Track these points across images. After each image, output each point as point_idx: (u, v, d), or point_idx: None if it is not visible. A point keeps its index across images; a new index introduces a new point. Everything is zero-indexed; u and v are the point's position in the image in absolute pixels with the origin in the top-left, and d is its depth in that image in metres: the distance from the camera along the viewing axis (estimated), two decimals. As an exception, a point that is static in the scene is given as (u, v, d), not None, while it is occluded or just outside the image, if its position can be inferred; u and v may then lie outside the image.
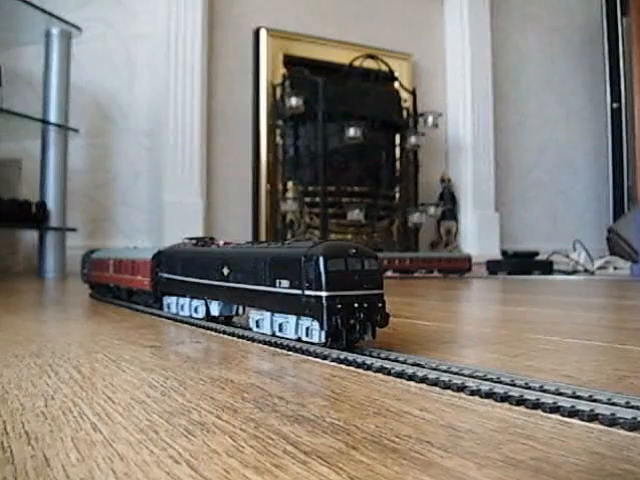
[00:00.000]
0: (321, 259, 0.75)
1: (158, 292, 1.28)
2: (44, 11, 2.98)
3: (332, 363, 0.76)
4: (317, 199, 3.84)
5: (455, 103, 4.86)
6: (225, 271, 0.97)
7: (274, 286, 0.84)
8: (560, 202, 5.47)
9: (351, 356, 0.77)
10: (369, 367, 0.72)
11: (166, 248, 1.29)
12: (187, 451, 0.42)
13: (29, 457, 0.41)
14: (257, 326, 0.92)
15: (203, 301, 1.10)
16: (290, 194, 3.91)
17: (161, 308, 1.28)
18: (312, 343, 0.81)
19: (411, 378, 0.66)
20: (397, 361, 0.72)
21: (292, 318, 0.83)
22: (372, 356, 0.75)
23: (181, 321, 1.16)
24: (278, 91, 3.95)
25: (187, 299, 1.16)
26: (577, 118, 5.60)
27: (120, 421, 0.50)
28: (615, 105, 5.31)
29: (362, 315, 0.75)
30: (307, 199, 3.89)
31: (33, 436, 0.45)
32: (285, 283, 0.81)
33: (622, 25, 5.21)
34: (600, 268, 4.02)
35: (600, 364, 0.77)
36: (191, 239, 1.24)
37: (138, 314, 1.33)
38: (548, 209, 5.41)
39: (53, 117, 3.10)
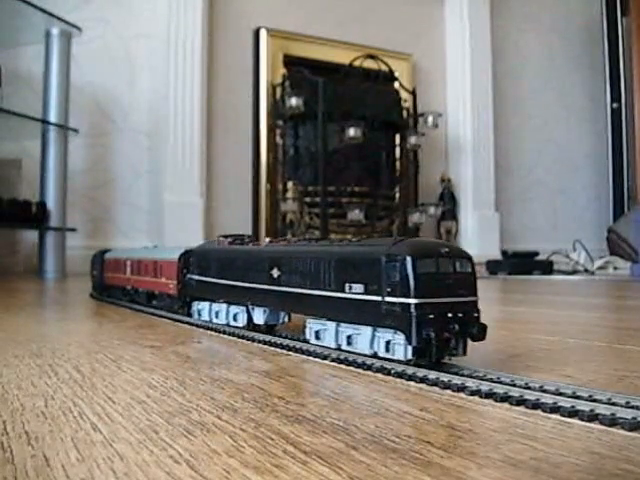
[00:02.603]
0: (409, 259, 0.64)
1: (186, 296, 1.15)
2: (44, 11, 2.98)
3: (332, 363, 0.76)
4: (317, 199, 3.84)
5: (455, 103, 4.86)
6: (275, 273, 0.85)
7: (342, 291, 0.72)
8: (560, 202, 5.47)
9: (351, 357, 0.76)
10: (369, 367, 0.72)
11: (196, 247, 1.16)
12: (187, 451, 0.42)
13: (29, 457, 0.41)
14: (317, 338, 0.80)
15: (244, 307, 0.97)
16: (290, 194, 3.91)
17: (189, 314, 1.15)
18: (392, 360, 0.69)
19: (411, 378, 0.66)
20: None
21: (366, 330, 0.71)
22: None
23: (216, 330, 1.02)
24: (278, 91, 3.95)
25: (223, 305, 1.03)
26: (577, 118, 5.60)
27: (120, 421, 0.50)
28: (615, 105, 5.31)
29: (457, 327, 0.64)
30: (307, 199, 3.89)
31: (33, 436, 0.45)
32: (358, 288, 0.70)
33: (622, 25, 5.21)
34: (600, 268, 4.02)
35: (600, 364, 0.77)
36: (226, 237, 1.10)
37: (138, 314, 1.33)
38: (548, 209, 5.41)
39: (53, 117, 3.10)
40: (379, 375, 0.69)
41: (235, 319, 1.00)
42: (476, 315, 0.67)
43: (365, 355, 0.72)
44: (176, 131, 3.64)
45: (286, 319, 0.94)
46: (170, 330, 1.08)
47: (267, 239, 0.93)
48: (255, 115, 4.01)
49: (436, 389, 0.62)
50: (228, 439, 0.45)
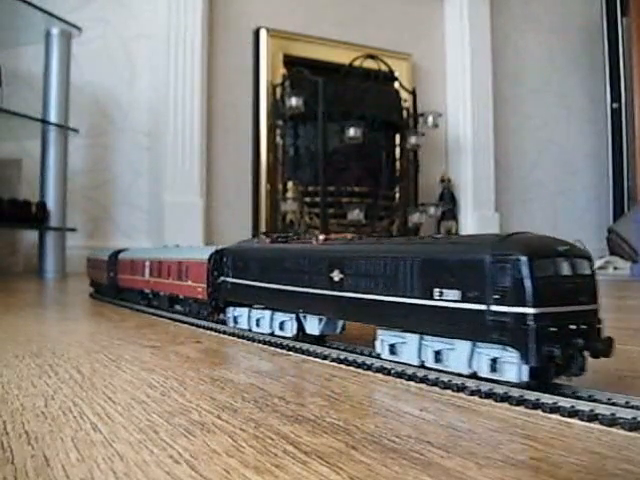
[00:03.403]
0: (524, 260, 0.54)
1: (219, 301, 1.04)
2: (44, 11, 2.98)
3: (332, 363, 0.76)
4: (317, 199, 3.83)
5: (455, 103, 4.85)
6: (336, 276, 0.74)
7: (429, 298, 0.62)
8: (560, 202, 5.47)
9: (351, 356, 0.75)
10: (369, 367, 0.72)
11: (231, 247, 1.05)
12: (187, 451, 0.42)
13: (29, 457, 0.41)
14: (392, 352, 0.69)
15: (293, 315, 0.86)
16: (290, 194, 3.91)
17: (222, 321, 1.05)
18: (499, 382, 0.58)
19: (411, 378, 0.66)
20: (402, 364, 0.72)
21: (462, 344, 0.60)
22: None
23: (259, 340, 0.92)
24: (278, 91, 3.95)
25: (267, 312, 0.92)
26: (577, 118, 5.60)
27: (120, 421, 0.50)
28: (615, 105, 5.31)
29: (581, 341, 0.55)
30: (307, 199, 3.88)
31: (33, 436, 0.45)
32: (452, 294, 0.59)
33: (622, 25, 5.21)
34: (600, 268, 4.02)
35: (600, 364, 0.77)
36: (266, 234, 1.00)
37: (137, 314, 1.33)
38: (548, 209, 5.41)
39: (53, 117, 3.09)
40: (379, 375, 0.69)
41: (282, 328, 0.89)
42: (598, 326, 0.57)
43: (461, 375, 0.61)
44: (176, 131, 3.63)
45: (339, 329, 0.84)
46: (170, 330, 1.08)
47: (321, 236, 0.81)
48: (255, 115, 4.01)
49: (436, 389, 0.62)
50: (228, 439, 0.45)
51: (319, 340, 0.84)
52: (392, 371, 0.68)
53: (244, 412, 0.52)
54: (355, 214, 3.79)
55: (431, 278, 0.62)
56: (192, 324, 1.11)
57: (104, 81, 3.65)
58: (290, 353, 0.83)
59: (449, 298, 0.60)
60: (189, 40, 3.67)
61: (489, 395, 0.58)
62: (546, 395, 0.55)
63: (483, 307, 0.56)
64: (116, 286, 1.53)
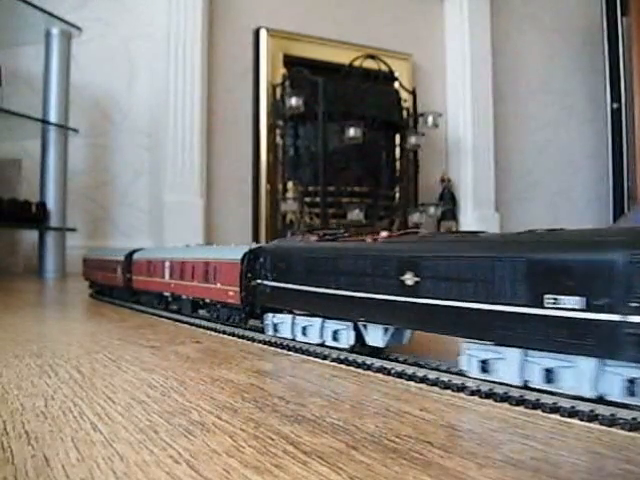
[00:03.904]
0: None
1: (255, 307, 0.95)
2: (44, 11, 2.98)
3: (332, 363, 0.76)
4: (317, 199, 3.84)
5: (455, 103, 4.86)
6: (409, 279, 0.64)
7: (538, 306, 0.53)
8: (560, 202, 5.47)
9: (351, 356, 0.75)
10: (369, 367, 0.72)
11: (269, 245, 0.96)
12: (187, 451, 0.42)
13: (29, 457, 0.41)
14: (484, 371, 0.60)
15: (349, 324, 0.76)
16: (290, 194, 3.91)
17: (256, 328, 0.96)
18: (636, 407, 0.49)
19: (411, 378, 0.66)
20: (397, 361, 0.72)
21: (584, 362, 0.51)
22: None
23: (308, 352, 0.82)
24: (278, 91, 3.95)
25: (315, 320, 0.82)
26: (577, 118, 5.60)
27: (120, 421, 0.49)
28: (615, 105, 5.30)
29: None
30: (307, 199, 3.88)
31: (33, 436, 0.45)
32: (572, 301, 0.50)
33: (622, 25, 5.20)
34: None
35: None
36: (311, 231, 0.92)
37: (137, 314, 1.33)
38: (548, 209, 5.41)
39: (53, 117, 3.09)
40: (379, 375, 0.69)
41: (336, 338, 0.79)
42: None
43: (586, 400, 0.52)
44: (176, 131, 3.63)
45: (404, 339, 0.74)
46: (170, 330, 1.08)
47: (384, 233, 0.69)
48: (255, 115, 4.00)
49: (436, 389, 0.62)
50: (228, 439, 0.45)
51: (378, 352, 0.75)
52: (392, 371, 0.68)
53: (244, 412, 0.52)
54: (355, 214, 3.79)
55: (541, 282, 0.52)
56: (219, 331, 1.01)
57: (104, 81, 3.65)
58: (290, 353, 0.83)
59: (568, 306, 0.50)
60: (189, 40, 3.67)
61: (489, 395, 0.58)
62: (546, 395, 0.55)
63: (617, 318, 0.47)
64: (130, 288, 1.43)
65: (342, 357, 0.76)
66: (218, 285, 1.02)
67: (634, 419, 0.48)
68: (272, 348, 0.87)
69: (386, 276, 0.67)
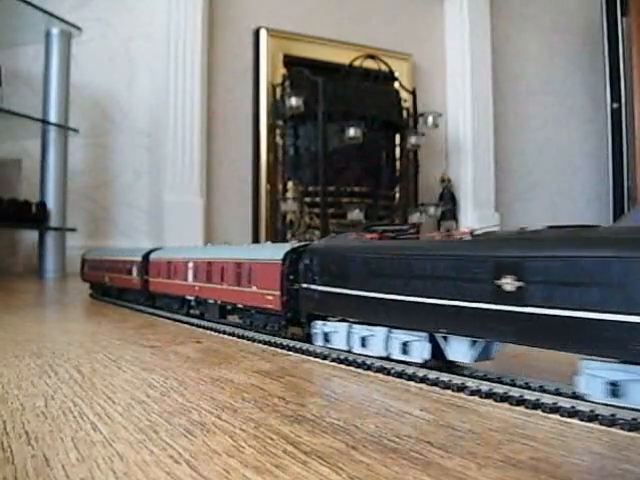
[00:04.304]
0: None
1: (300, 314, 0.84)
2: (44, 11, 2.98)
3: (332, 363, 0.75)
4: (317, 199, 3.84)
5: (455, 103, 4.86)
6: (508, 285, 0.54)
7: None
8: (560, 202, 5.47)
9: (351, 356, 0.75)
10: (369, 367, 0.72)
11: (316, 244, 0.85)
12: (187, 451, 0.42)
13: (29, 457, 0.41)
14: (614, 395, 0.49)
15: (424, 335, 0.65)
16: (290, 194, 3.91)
17: (300, 337, 0.85)
18: None
19: (411, 378, 0.65)
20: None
21: None
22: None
23: (371, 368, 0.71)
24: (278, 91, 3.95)
25: (378, 330, 0.70)
26: (577, 118, 5.60)
27: (120, 421, 0.49)
28: (615, 105, 5.30)
29: None
30: (307, 199, 3.88)
31: (33, 436, 0.45)
32: None
33: (622, 25, 5.20)
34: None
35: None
36: (367, 229, 0.78)
37: (138, 314, 1.32)
38: (548, 209, 5.41)
39: (53, 117, 3.09)
40: (379, 375, 0.69)
41: (405, 351, 0.67)
42: None
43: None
44: (176, 131, 3.63)
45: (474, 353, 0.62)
46: (170, 330, 1.08)
47: (466, 228, 0.59)
48: (255, 115, 4.00)
49: (436, 389, 0.62)
50: (228, 439, 0.45)
51: (448, 366, 0.66)
52: (392, 371, 0.68)
53: (244, 412, 0.52)
54: (355, 214, 3.79)
55: None
56: (254, 340, 0.91)
57: (104, 81, 3.65)
58: (290, 353, 0.82)
59: None
60: (189, 40, 3.67)
61: (489, 395, 0.58)
62: (546, 395, 0.55)
63: None
64: (146, 290, 1.34)
65: (342, 357, 0.76)
66: (254, 288, 0.91)
67: (634, 419, 0.48)
68: (272, 348, 0.86)
69: (475, 280, 0.57)
